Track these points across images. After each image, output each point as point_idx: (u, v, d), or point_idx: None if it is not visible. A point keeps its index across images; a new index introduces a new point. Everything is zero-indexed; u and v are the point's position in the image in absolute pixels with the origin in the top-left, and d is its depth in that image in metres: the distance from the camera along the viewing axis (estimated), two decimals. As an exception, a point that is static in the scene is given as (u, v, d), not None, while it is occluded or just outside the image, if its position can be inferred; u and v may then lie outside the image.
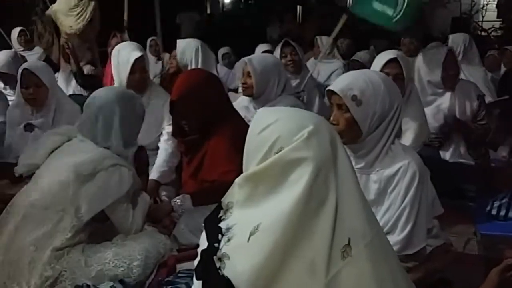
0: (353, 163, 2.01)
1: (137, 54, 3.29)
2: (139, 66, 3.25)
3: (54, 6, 5.64)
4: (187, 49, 3.97)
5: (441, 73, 3.30)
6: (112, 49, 3.61)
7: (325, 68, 5.38)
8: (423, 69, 3.40)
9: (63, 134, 2.31)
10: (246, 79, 3.32)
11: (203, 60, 3.94)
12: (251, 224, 1.29)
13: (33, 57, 5.67)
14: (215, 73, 3.71)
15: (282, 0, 9.80)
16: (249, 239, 1.28)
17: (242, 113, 3.40)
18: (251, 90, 3.31)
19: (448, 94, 3.38)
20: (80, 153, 2.19)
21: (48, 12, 5.84)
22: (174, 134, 2.91)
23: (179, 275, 2.14)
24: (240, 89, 5.23)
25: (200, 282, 1.38)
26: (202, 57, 3.94)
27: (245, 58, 3.42)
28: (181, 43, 4.06)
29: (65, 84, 4.92)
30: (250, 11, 10.02)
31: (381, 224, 1.89)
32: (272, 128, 1.35)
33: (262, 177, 1.33)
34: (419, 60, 3.48)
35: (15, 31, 6.18)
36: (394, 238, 1.94)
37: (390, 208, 1.98)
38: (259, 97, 3.33)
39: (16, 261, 2.07)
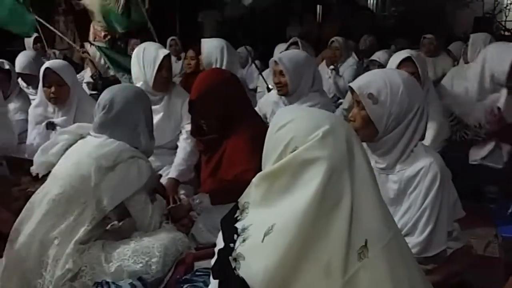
0: (374, 163, 2.01)
1: (165, 51, 3.30)
2: (166, 64, 3.26)
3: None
4: (213, 48, 3.97)
5: (509, 68, 3.15)
6: (131, 49, 3.64)
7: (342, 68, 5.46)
8: (491, 60, 3.24)
9: (74, 133, 2.35)
10: (280, 78, 3.31)
11: (228, 59, 3.94)
12: (265, 224, 1.29)
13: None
14: (239, 72, 3.71)
15: (302, 0, 9.78)
16: (263, 239, 1.28)
17: (271, 108, 3.45)
18: (286, 89, 3.30)
19: (504, 94, 3.23)
20: (97, 147, 2.22)
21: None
22: (192, 133, 2.92)
23: (197, 273, 2.14)
24: (259, 89, 5.27)
25: (217, 281, 1.39)
26: (227, 56, 3.94)
27: (275, 57, 3.42)
28: (206, 43, 4.06)
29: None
30: (270, 11, 10.01)
31: (399, 225, 1.90)
32: (288, 128, 1.36)
33: (277, 177, 1.33)
34: (487, 50, 3.35)
35: (30, 39, 6.01)
36: (414, 240, 1.92)
37: (410, 209, 1.96)
38: (292, 94, 3.33)
39: (37, 256, 2.10)
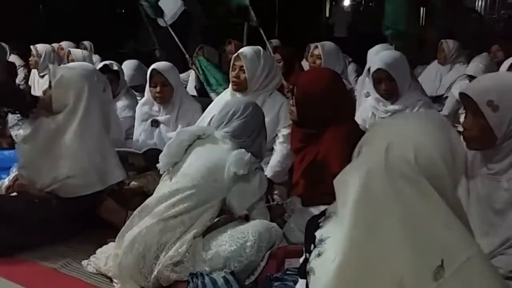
0: (484, 168, 1.94)
1: None
2: None
3: None
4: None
5: None
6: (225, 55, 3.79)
7: (449, 75, 5.24)
8: None
9: (193, 133, 2.48)
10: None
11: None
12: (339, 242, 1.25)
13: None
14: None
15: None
16: (335, 258, 1.25)
17: (370, 112, 3.48)
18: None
19: None
20: (232, 156, 2.34)
21: None
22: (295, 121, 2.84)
23: (287, 272, 2.16)
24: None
25: (304, 280, 1.40)
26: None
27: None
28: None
29: None
30: (371, 13, 9.85)
31: (505, 236, 1.86)
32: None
33: None
34: None
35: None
36: (516, 255, 1.83)
37: (518, 221, 1.86)
38: None
39: (158, 240, 2.25)
